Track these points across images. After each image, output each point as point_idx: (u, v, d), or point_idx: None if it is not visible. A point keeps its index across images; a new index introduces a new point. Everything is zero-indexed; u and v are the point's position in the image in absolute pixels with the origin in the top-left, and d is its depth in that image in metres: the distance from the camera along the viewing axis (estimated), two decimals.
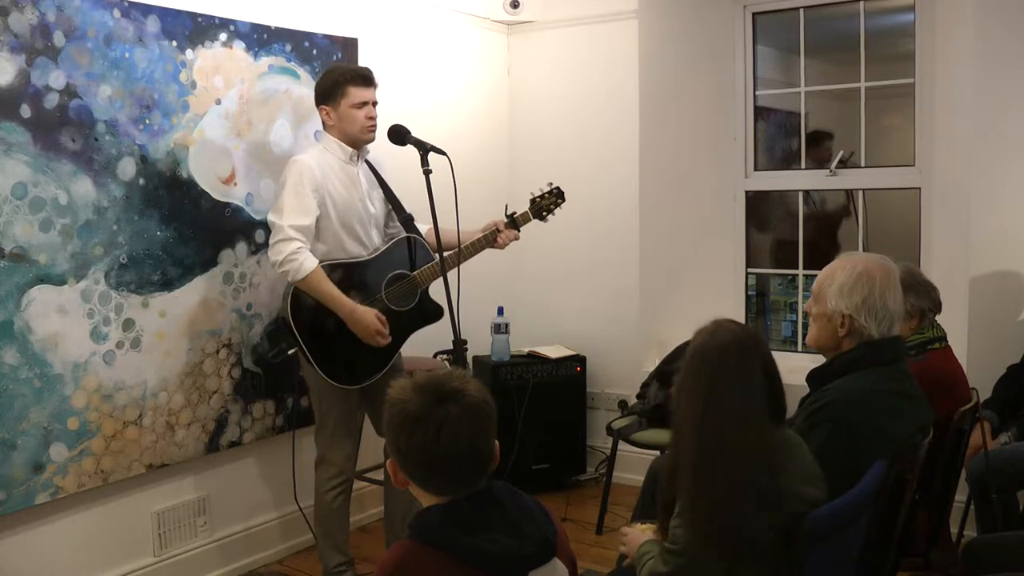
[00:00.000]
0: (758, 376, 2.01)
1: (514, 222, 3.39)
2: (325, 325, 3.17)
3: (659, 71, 4.56)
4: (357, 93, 3.19)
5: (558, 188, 3.46)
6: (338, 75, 3.21)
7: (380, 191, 3.36)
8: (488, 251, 3.40)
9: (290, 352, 3.28)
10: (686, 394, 2.05)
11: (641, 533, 2.21)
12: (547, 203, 3.45)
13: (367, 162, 3.35)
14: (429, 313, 3.34)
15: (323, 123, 3.28)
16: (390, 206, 3.39)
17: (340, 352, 3.20)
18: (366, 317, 3.14)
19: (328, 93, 3.21)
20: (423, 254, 3.33)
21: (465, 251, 3.31)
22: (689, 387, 2.04)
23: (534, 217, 3.45)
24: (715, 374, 2.00)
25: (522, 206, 3.46)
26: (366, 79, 3.21)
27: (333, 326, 3.17)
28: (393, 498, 3.42)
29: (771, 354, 2.07)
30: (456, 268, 3.27)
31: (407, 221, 3.36)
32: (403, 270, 3.30)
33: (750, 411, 1.97)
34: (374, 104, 3.24)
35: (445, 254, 3.15)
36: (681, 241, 4.68)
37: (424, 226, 3.35)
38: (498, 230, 3.35)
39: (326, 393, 3.26)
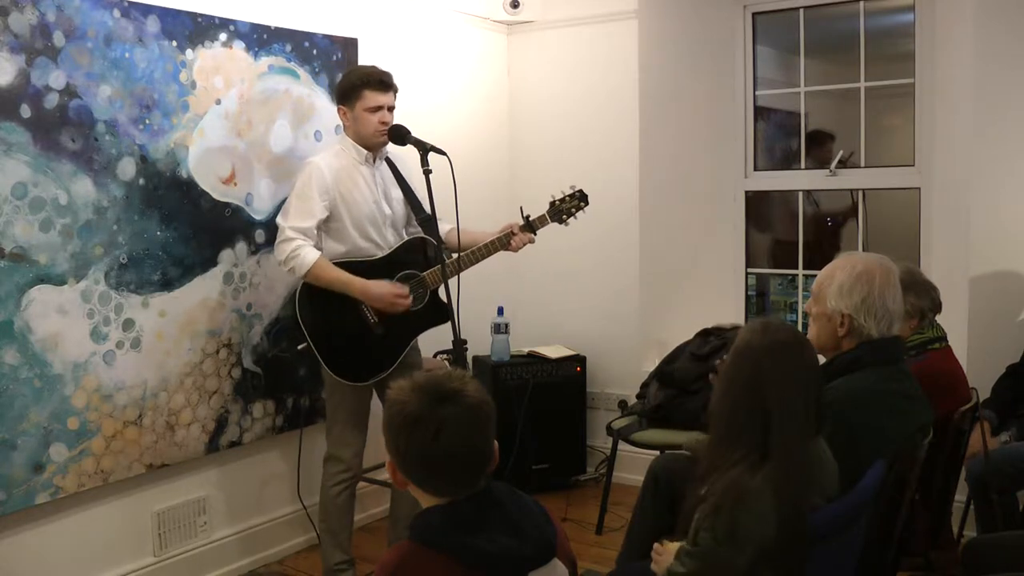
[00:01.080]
0: (805, 380, 2.00)
1: (530, 225, 3.37)
2: (333, 322, 3.20)
3: (659, 71, 4.56)
4: (372, 97, 3.20)
5: (581, 191, 3.43)
6: (356, 77, 3.23)
7: (400, 191, 3.36)
8: None
9: (299, 348, 3.29)
10: (730, 386, 2.03)
11: (674, 548, 2.18)
12: (568, 206, 3.41)
13: (389, 161, 3.35)
14: (438, 314, 3.33)
15: (341, 123, 3.31)
16: (410, 206, 3.39)
17: (348, 349, 3.23)
18: (379, 288, 3.16)
19: (346, 94, 3.23)
20: (435, 255, 3.32)
21: (478, 253, 3.30)
22: (733, 380, 2.03)
23: (553, 220, 3.40)
24: (763, 370, 1.99)
25: (531, 207, 3.42)
26: (384, 84, 3.22)
27: (341, 323, 3.19)
28: (399, 498, 3.42)
29: (817, 361, 2.07)
30: (461, 271, 3.27)
31: (425, 221, 3.32)
32: (413, 270, 3.30)
33: (795, 413, 1.97)
34: (390, 109, 3.24)
35: (455, 256, 3.14)
36: (681, 241, 4.68)
37: (445, 226, 3.35)
38: (513, 233, 3.34)
39: (336, 389, 3.29)
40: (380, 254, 3.28)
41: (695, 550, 1.98)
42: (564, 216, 3.42)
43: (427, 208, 3.25)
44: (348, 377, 3.24)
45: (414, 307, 3.26)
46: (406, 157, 3.36)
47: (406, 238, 3.37)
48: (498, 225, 3.40)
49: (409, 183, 3.37)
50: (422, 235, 3.33)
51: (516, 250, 3.37)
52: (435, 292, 3.32)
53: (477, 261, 3.31)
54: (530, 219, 3.37)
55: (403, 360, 3.30)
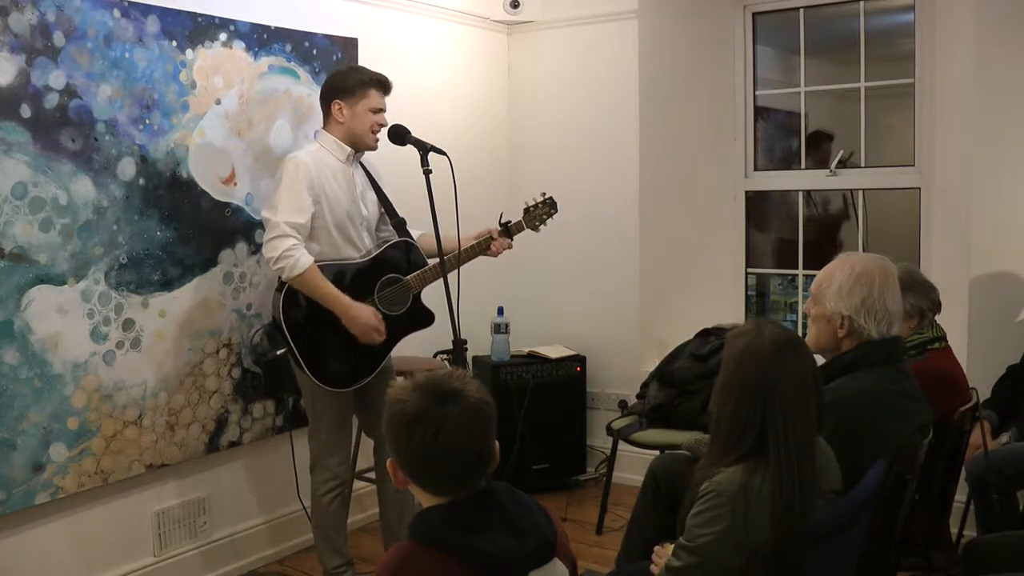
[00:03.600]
0: (808, 378, 2.01)
1: (508, 230, 3.39)
2: (315, 327, 3.13)
3: (659, 71, 4.56)
4: (377, 98, 3.20)
5: (551, 199, 3.47)
6: (364, 75, 3.22)
7: (374, 193, 3.36)
8: None
9: (279, 353, 3.24)
10: (732, 391, 2.03)
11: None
12: (539, 213, 3.45)
13: (361, 164, 3.34)
14: (420, 318, 3.32)
15: (329, 118, 3.23)
16: (383, 209, 3.38)
17: (330, 355, 3.16)
18: (363, 314, 3.11)
19: (348, 89, 3.19)
20: (417, 258, 3.32)
21: (458, 258, 3.30)
22: (735, 385, 2.03)
23: (528, 227, 3.45)
24: (768, 373, 1.98)
25: (519, 212, 3.45)
26: (388, 87, 3.24)
27: (323, 328, 3.14)
28: (387, 499, 3.41)
29: (814, 358, 2.07)
30: (449, 274, 3.26)
31: (399, 225, 3.34)
32: (396, 274, 3.28)
33: (800, 413, 1.97)
34: (385, 112, 3.25)
35: (435, 261, 3.14)
36: (681, 241, 4.68)
37: (416, 231, 3.35)
38: (492, 238, 3.35)
39: (319, 397, 3.23)
40: (356, 255, 3.23)
41: (692, 544, 1.99)
42: (536, 223, 3.46)
43: (407, 210, 3.26)
44: (330, 383, 3.17)
45: (396, 311, 3.25)
46: (405, 157, 3.36)
47: (377, 241, 3.35)
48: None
49: (381, 186, 3.37)
50: (407, 239, 3.33)
51: (495, 255, 3.40)
52: (417, 296, 3.31)
53: (458, 266, 3.30)
54: (508, 225, 3.39)
55: (384, 365, 3.29)
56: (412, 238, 3.34)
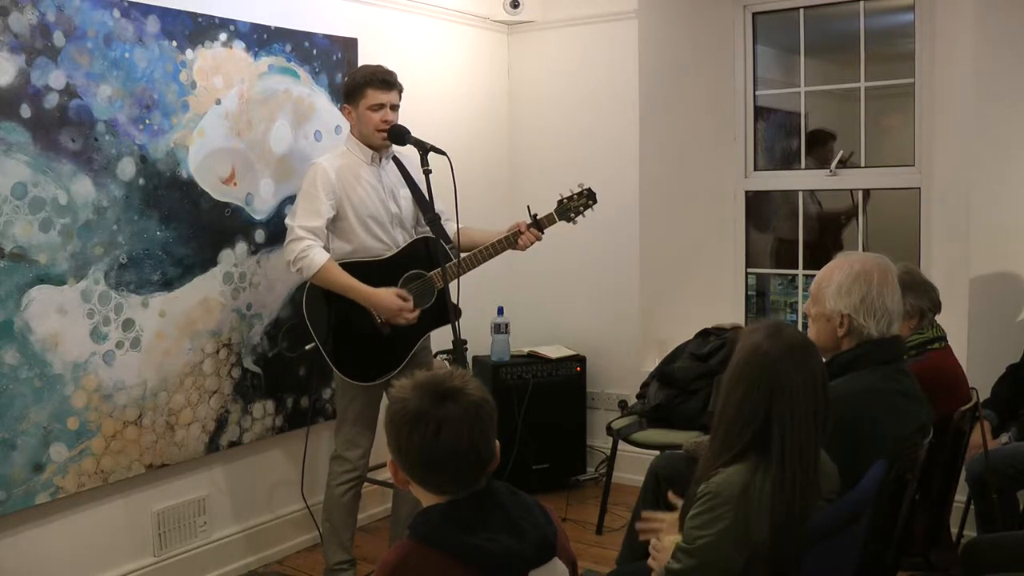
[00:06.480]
0: (817, 383, 2.01)
1: (537, 223, 3.36)
2: (340, 322, 3.21)
3: (659, 71, 4.56)
4: (375, 95, 3.22)
5: (590, 189, 3.41)
6: (360, 76, 3.26)
7: (407, 190, 3.36)
8: None
9: (307, 348, 3.30)
10: (740, 390, 2.03)
11: (672, 544, 2.18)
12: (576, 204, 3.40)
13: (397, 160, 3.36)
14: (446, 313, 3.31)
15: (348, 123, 3.34)
16: (418, 206, 3.38)
17: (355, 349, 3.24)
18: (385, 298, 3.17)
19: (350, 93, 3.26)
20: (444, 254, 3.32)
21: (485, 252, 3.30)
22: (743, 384, 2.02)
23: (560, 219, 3.39)
24: (778, 375, 1.98)
25: (539, 207, 3.41)
26: (387, 83, 3.25)
27: (348, 323, 3.20)
28: (401, 499, 3.43)
29: (823, 363, 2.07)
30: (468, 270, 3.27)
31: (432, 220, 3.30)
32: (420, 270, 3.30)
33: (807, 416, 1.97)
34: (393, 107, 3.25)
35: (463, 255, 3.15)
36: (681, 241, 4.68)
37: (456, 225, 3.35)
38: (520, 231, 3.34)
39: (346, 389, 3.31)
40: (388, 253, 3.28)
41: (691, 547, 1.98)
42: (572, 215, 3.41)
43: (435, 208, 3.26)
44: (356, 377, 3.25)
45: (421, 306, 3.26)
46: (405, 157, 3.37)
47: (417, 236, 3.37)
48: (497, 225, 3.40)
49: (417, 182, 3.37)
50: (429, 234, 3.33)
51: (524, 249, 3.37)
52: (442, 291, 3.32)
53: (484, 260, 3.31)
54: (537, 217, 3.37)
55: (412, 359, 3.31)
56: (445, 234, 3.30)
